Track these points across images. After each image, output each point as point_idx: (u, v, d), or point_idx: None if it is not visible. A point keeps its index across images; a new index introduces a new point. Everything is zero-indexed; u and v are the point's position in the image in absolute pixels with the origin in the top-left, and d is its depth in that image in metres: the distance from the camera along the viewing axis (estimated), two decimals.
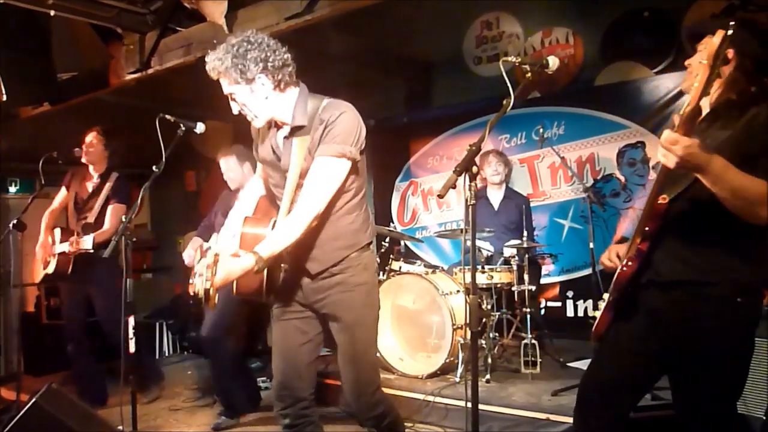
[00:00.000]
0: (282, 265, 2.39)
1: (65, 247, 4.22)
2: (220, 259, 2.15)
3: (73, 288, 4.49)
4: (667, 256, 1.95)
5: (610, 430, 2.17)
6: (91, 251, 4.12)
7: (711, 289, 1.88)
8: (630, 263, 1.99)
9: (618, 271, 2.02)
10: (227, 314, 4.12)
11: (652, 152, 4.93)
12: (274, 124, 2.43)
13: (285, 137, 2.40)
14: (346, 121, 2.26)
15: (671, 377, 2.03)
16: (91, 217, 4.38)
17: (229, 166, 4.15)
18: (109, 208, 4.40)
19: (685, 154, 1.63)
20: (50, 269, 4.40)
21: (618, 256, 2.10)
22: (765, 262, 1.89)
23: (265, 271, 2.27)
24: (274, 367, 2.54)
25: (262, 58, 2.23)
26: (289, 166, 2.35)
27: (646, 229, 1.94)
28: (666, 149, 1.66)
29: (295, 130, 2.35)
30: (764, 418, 2.98)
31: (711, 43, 1.60)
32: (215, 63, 2.23)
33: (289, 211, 2.32)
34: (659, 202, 1.89)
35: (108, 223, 4.36)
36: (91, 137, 4.48)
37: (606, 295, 2.14)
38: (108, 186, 4.45)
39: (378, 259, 4.90)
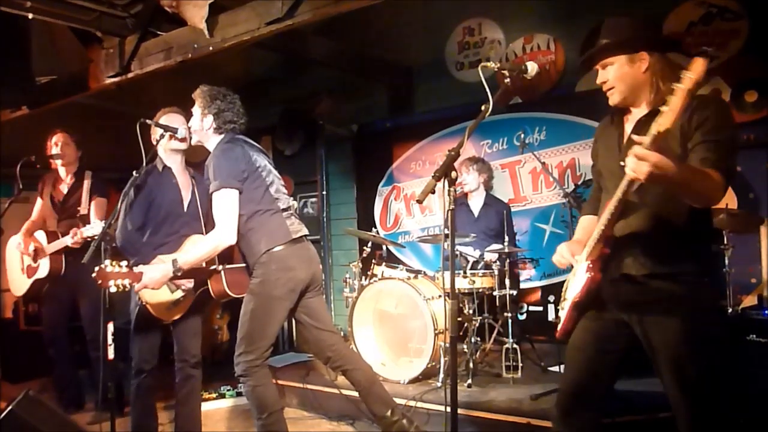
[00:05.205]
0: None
1: (67, 241, 4.09)
2: None
3: (59, 291, 4.45)
4: (635, 252, 2.07)
5: (590, 430, 2.26)
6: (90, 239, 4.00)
7: (687, 277, 2.02)
8: (596, 266, 2.13)
9: (589, 276, 2.13)
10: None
11: None
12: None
13: None
14: None
15: (659, 371, 2.10)
16: (83, 210, 4.38)
17: None
18: (92, 203, 4.41)
19: (656, 169, 1.71)
20: (41, 273, 4.36)
21: (570, 254, 2.23)
22: (710, 249, 2.15)
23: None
24: None
25: None
26: None
27: (609, 234, 2.09)
28: (637, 164, 1.72)
29: None
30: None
31: (696, 69, 1.68)
32: None
33: None
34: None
35: (96, 217, 4.35)
36: (59, 139, 4.43)
37: (567, 294, 2.24)
38: (87, 183, 4.45)
39: (361, 265, 4.94)
